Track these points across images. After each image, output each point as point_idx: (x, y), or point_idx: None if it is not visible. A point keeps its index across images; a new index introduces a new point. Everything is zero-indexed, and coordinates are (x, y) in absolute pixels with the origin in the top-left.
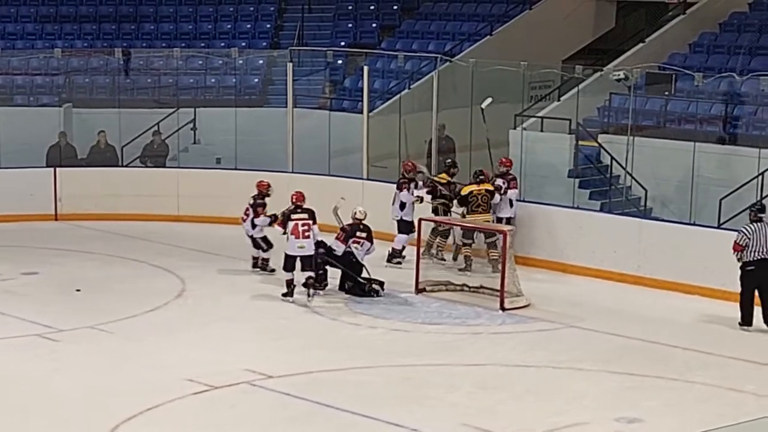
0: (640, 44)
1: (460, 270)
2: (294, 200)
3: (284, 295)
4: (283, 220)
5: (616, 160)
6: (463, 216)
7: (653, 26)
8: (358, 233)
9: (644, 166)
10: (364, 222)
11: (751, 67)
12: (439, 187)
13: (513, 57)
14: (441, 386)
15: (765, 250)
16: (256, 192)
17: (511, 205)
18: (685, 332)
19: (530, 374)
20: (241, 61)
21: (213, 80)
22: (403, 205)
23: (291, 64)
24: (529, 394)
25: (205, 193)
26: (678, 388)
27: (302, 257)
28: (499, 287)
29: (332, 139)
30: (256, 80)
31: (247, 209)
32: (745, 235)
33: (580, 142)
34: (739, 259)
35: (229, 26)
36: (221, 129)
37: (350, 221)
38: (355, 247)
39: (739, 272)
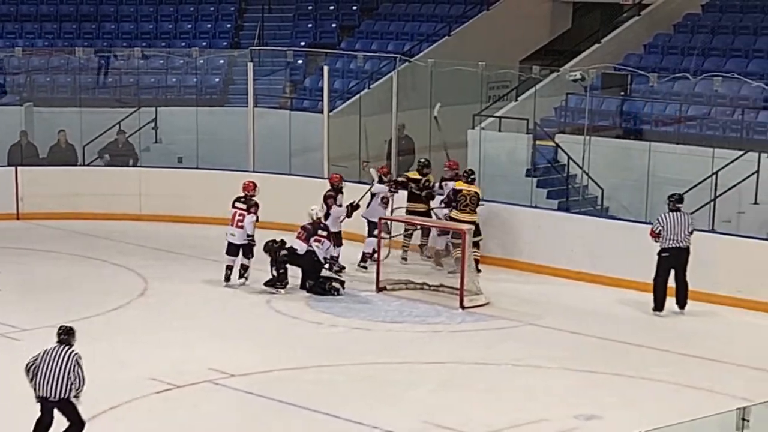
0: (596, 45)
1: (450, 273)
2: (243, 188)
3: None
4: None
5: (573, 160)
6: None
7: (609, 27)
8: (319, 232)
9: (601, 166)
10: (323, 221)
11: (704, 68)
12: (411, 185)
13: (471, 57)
14: (402, 384)
15: (680, 238)
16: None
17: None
18: (641, 329)
19: (490, 372)
20: (201, 61)
21: (174, 80)
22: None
23: (251, 63)
24: (489, 391)
25: (167, 192)
26: (635, 384)
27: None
28: (458, 286)
29: (293, 139)
30: (217, 80)
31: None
32: (659, 223)
33: (538, 142)
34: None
35: (189, 26)
36: (182, 128)
37: (308, 221)
38: (317, 246)
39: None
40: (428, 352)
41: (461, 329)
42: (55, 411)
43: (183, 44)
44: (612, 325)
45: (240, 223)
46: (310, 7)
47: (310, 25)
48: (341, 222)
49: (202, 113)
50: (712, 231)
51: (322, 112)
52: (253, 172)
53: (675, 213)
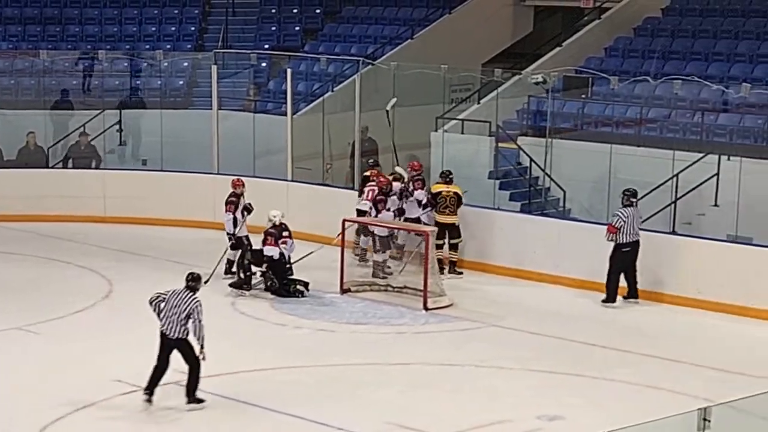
0: (558, 48)
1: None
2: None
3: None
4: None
5: (535, 162)
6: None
7: (570, 31)
8: (284, 234)
9: (562, 168)
10: (283, 222)
11: (664, 71)
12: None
13: (434, 60)
14: (366, 385)
15: (636, 231)
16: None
17: (420, 205)
18: (603, 330)
19: (454, 373)
20: (166, 64)
21: (138, 82)
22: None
23: (215, 66)
24: (453, 392)
25: (132, 194)
26: (597, 385)
27: None
28: (422, 287)
29: (257, 141)
30: (181, 82)
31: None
32: (621, 218)
33: (500, 144)
34: (611, 240)
35: (153, 29)
36: (147, 131)
37: (270, 226)
38: (284, 248)
39: (612, 253)
40: (393, 353)
41: (425, 330)
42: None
43: (147, 47)
44: (575, 325)
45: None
46: (273, 10)
47: (273, 28)
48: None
49: (167, 116)
50: (673, 233)
51: (285, 114)
52: (218, 174)
53: (630, 207)
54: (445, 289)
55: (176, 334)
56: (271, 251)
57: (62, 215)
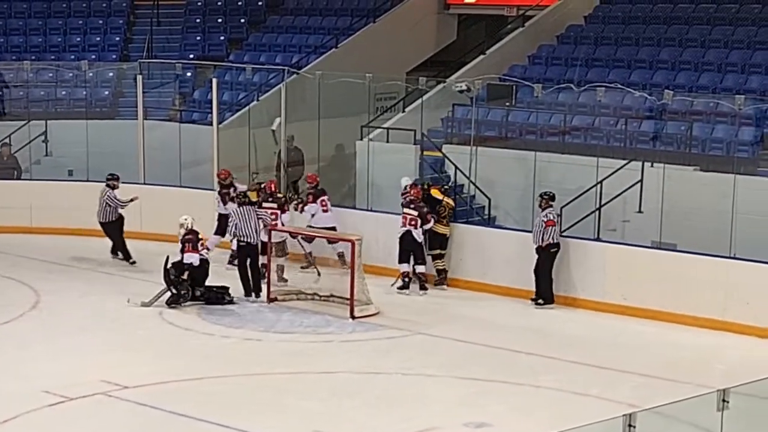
0: (481, 56)
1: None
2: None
3: None
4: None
5: (460, 170)
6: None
7: (493, 39)
8: (200, 238)
9: (487, 176)
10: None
11: (588, 79)
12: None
13: (358, 69)
14: (294, 394)
15: (558, 233)
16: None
17: (311, 218)
18: (530, 337)
19: (381, 381)
20: (91, 74)
21: (64, 93)
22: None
23: (141, 76)
24: (380, 400)
25: (58, 204)
26: (524, 392)
27: None
28: (348, 295)
29: (183, 151)
30: (107, 93)
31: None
32: (555, 215)
33: (425, 153)
34: (541, 242)
35: (78, 39)
36: (73, 141)
37: (184, 233)
38: (205, 253)
39: (540, 255)
40: (319, 362)
41: (352, 339)
42: None
43: (72, 57)
44: (501, 333)
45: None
46: (198, 20)
47: (198, 38)
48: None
49: (92, 126)
50: (598, 239)
51: (211, 124)
52: (144, 184)
53: (551, 209)
54: (372, 298)
55: (255, 240)
56: (190, 258)
57: None
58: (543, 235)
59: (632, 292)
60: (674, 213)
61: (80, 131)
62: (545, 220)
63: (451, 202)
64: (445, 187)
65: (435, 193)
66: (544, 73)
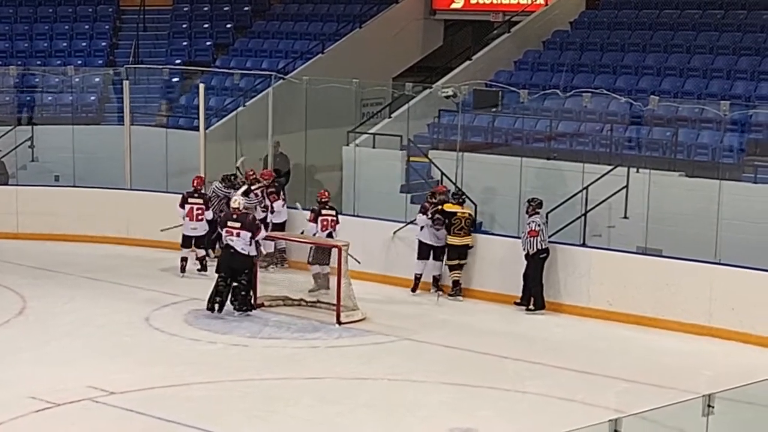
0: (468, 62)
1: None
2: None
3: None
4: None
5: (446, 176)
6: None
7: (480, 44)
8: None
9: (473, 182)
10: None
11: (574, 84)
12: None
13: (345, 74)
14: (281, 400)
15: (547, 239)
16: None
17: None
18: (516, 343)
19: (367, 386)
20: (77, 79)
21: (50, 98)
22: None
23: (127, 81)
24: (367, 406)
25: (44, 210)
26: (510, 397)
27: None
28: (335, 301)
29: (169, 157)
30: (93, 98)
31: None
32: (537, 223)
33: (412, 158)
34: (528, 249)
35: (65, 44)
36: (59, 147)
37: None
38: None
39: (529, 261)
40: (306, 367)
41: (338, 344)
42: None
43: (58, 62)
44: (487, 338)
45: (200, 217)
46: (184, 26)
47: (185, 43)
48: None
49: (79, 131)
50: (584, 245)
51: (198, 129)
52: (131, 189)
53: (537, 216)
54: (358, 303)
55: None
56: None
57: None
58: (528, 243)
59: (618, 297)
60: (660, 219)
61: (66, 136)
62: (528, 230)
63: (465, 211)
64: (457, 196)
65: (448, 207)
66: (530, 79)
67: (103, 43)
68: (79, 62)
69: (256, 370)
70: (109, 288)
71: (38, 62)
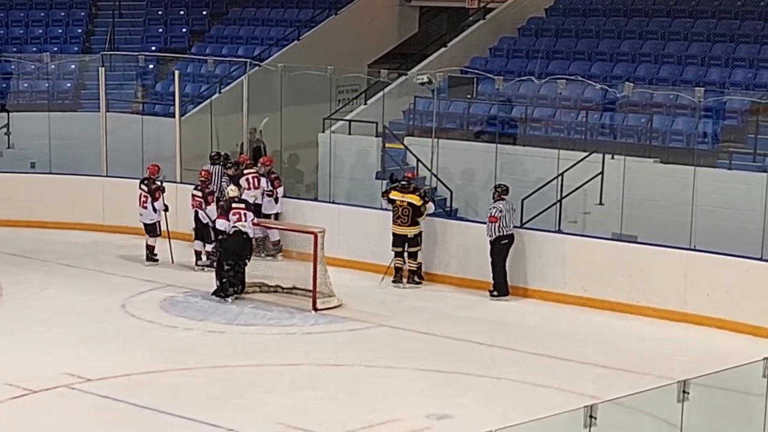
0: (443, 49)
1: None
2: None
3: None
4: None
5: (422, 162)
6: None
7: (455, 31)
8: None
9: (449, 168)
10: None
11: (549, 71)
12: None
13: (320, 61)
14: (257, 386)
15: (510, 225)
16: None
17: (277, 201)
18: (491, 329)
19: (343, 373)
20: (53, 66)
21: (26, 85)
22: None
23: (103, 68)
24: (343, 392)
25: (20, 197)
26: (486, 383)
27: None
28: (311, 288)
29: (145, 143)
30: (69, 85)
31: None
32: (498, 209)
33: (387, 145)
34: (490, 235)
35: (40, 31)
36: (35, 133)
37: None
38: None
39: (492, 248)
40: (282, 354)
41: (314, 331)
42: None
43: (34, 49)
44: (463, 325)
45: (145, 204)
46: (160, 12)
47: (160, 30)
48: None
49: (55, 118)
50: (559, 231)
51: (174, 116)
52: (107, 176)
53: (502, 202)
54: (334, 290)
55: None
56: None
57: None
58: (488, 229)
59: (593, 283)
60: (634, 205)
61: (42, 123)
62: (488, 215)
63: (404, 200)
64: (402, 183)
65: (394, 195)
66: (506, 66)
67: (79, 30)
68: (55, 49)
69: (233, 356)
70: (85, 275)
71: (14, 49)
